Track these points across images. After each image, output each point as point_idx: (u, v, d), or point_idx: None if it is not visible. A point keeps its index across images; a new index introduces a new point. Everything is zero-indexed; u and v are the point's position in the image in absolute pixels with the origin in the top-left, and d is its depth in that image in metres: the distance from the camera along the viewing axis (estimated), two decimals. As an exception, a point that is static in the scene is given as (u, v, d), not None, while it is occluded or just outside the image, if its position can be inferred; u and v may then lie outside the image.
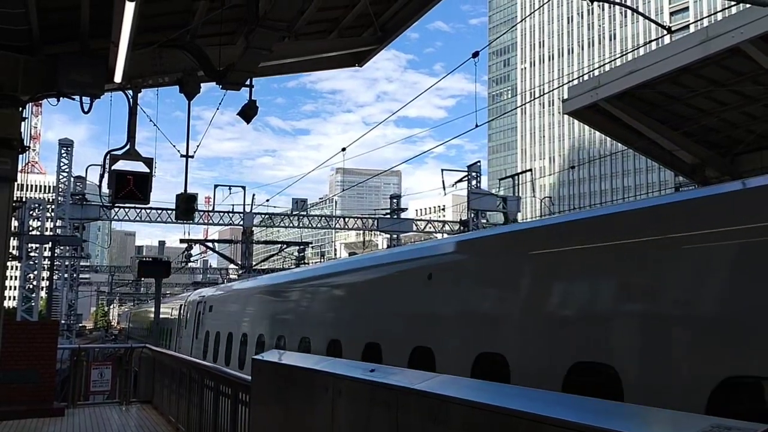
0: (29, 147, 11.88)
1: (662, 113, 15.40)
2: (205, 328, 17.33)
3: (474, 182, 37.05)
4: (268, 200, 57.87)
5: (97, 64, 9.68)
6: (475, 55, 12.01)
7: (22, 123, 10.57)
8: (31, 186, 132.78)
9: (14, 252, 37.11)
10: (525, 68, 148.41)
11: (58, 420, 11.09)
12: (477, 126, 14.57)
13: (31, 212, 37.93)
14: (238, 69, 9.84)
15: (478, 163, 38.42)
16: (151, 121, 11.94)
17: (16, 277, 45.53)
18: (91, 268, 69.57)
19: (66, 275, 46.62)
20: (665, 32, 12.75)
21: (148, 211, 38.15)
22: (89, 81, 9.65)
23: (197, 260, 60.14)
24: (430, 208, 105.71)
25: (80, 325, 58.10)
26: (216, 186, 38.44)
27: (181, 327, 21.09)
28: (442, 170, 36.41)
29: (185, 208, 11.65)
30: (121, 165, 10.54)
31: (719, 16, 14.01)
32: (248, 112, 10.69)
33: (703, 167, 15.84)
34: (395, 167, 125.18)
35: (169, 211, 36.84)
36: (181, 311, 21.74)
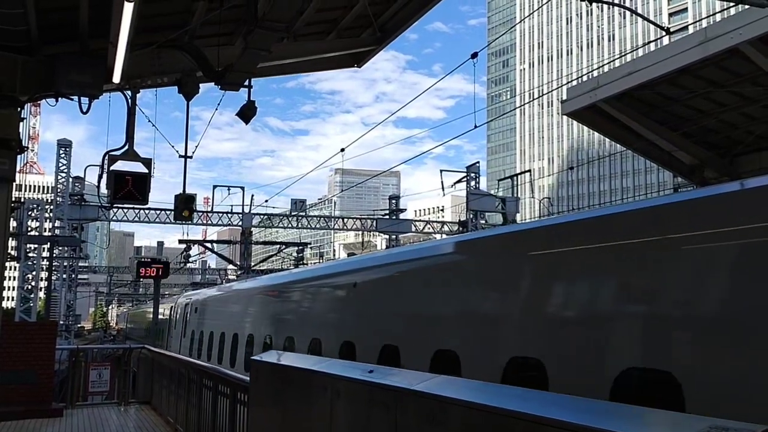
0: (28, 147, 11.87)
1: (661, 114, 15.42)
2: (191, 328, 19.23)
3: (473, 183, 37.06)
4: (267, 201, 57.83)
5: (95, 65, 9.67)
6: (474, 55, 12.01)
7: (21, 123, 10.56)
8: (30, 186, 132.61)
9: (13, 252, 37.09)
10: (524, 69, 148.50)
11: (56, 420, 11.07)
12: (476, 127, 14.56)
13: (29, 213, 37.90)
14: (237, 69, 9.84)
15: (477, 164, 38.45)
16: (149, 121, 11.95)
17: (14, 277, 45.49)
18: (90, 269, 69.52)
19: (64, 276, 46.58)
20: (664, 33, 12.76)
21: (146, 211, 38.13)
22: (88, 81, 9.65)
23: (196, 261, 60.10)
24: (429, 208, 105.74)
25: (79, 325, 58.05)
26: (215, 186, 38.47)
27: (172, 327, 22.73)
28: (441, 171, 36.49)
29: (184, 208, 11.64)
30: (120, 165, 10.54)
31: (718, 18, 14.02)
32: (247, 113, 10.69)
33: (702, 168, 15.85)
34: (394, 168, 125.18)
35: (168, 212, 36.81)
36: (172, 312, 23.47)
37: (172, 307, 23.89)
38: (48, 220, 39.84)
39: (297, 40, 12.03)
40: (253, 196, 47.82)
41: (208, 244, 39.14)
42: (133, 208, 36.32)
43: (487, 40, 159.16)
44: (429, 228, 43.19)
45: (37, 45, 9.91)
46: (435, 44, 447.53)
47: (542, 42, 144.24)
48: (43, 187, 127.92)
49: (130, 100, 10.79)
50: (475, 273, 6.76)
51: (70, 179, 40.12)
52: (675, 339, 4.47)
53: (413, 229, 43.10)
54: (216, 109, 12.51)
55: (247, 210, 39.34)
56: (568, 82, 18.55)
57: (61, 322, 40.56)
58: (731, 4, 11.00)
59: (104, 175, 10.64)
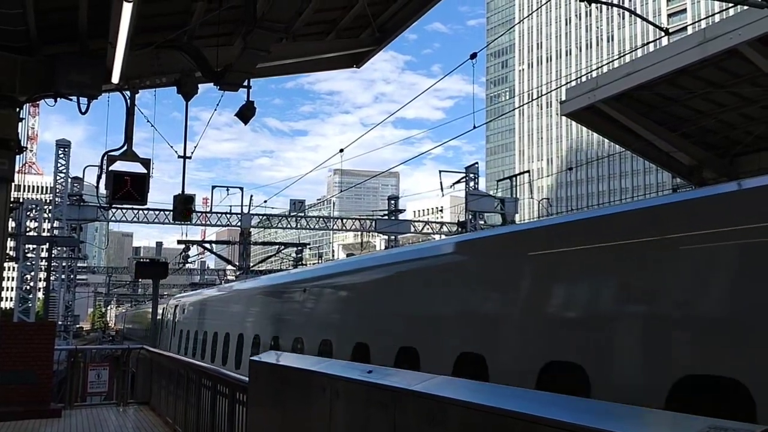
0: (26, 147, 11.86)
1: (660, 115, 15.42)
2: (179, 327, 21.23)
3: (472, 183, 37.07)
4: (265, 201, 57.82)
5: (94, 65, 9.67)
6: (473, 56, 12.01)
7: (20, 123, 10.55)
8: (29, 187, 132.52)
9: (11, 253, 37.05)
10: (523, 70, 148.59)
11: (55, 421, 11.06)
12: (475, 127, 14.57)
13: (28, 213, 37.85)
14: (236, 70, 9.84)
15: (476, 165, 38.45)
16: (148, 121, 11.93)
17: (13, 278, 45.45)
18: (89, 269, 69.41)
19: (63, 276, 46.54)
20: (663, 34, 12.78)
21: (145, 212, 38.07)
22: (87, 82, 9.65)
23: (195, 261, 60.07)
24: (428, 209, 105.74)
25: (77, 326, 57.99)
26: (214, 187, 38.42)
27: (164, 327, 24.43)
28: (440, 171, 36.51)
29: (183, 209, 11.63)
30: (119, 166, 10.54)
31: (717, 18, 14.03)
32: (246, 113, 10.69)
33: (700, 169, 15.87)
34: (393, 168, 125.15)
35: (167, 212, 36.74)
36: (164, 313, 25.22)
37: (164, 308, 25.73)
38: (47, 221, 39.80)
39: (296, 41, 12.03)
40: (252, 196, 47.82)
41: (207, 245, 39.15)
42: (132, 209, 36.25)
43: (486, 40, 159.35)
44: (428, 228, 43.19)
45: (37, 45, 9.91)
46: (434, 45, 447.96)
47: (541, 43, 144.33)
48: (42, 187, 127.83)
49: (129, 101, 10.79)
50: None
51: (69, 179, 40.07)
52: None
53: (412, 229, 43.08)
54: (215, 110, 12.51)
55: (246, 210, 39.32)
56: (567, 83, 18.56)
57: (60, 323, 40.52)
58: (730, 4, 11.01)
59: (103, 176, 10.64)
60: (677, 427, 2.44)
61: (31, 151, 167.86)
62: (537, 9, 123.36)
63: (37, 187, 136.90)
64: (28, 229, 37.51)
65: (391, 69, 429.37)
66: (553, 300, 5.46)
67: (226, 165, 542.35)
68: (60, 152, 41.75)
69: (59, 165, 41.16)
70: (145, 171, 10.63)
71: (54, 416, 11.31)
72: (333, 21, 12.22)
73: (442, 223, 44.01)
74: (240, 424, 6.40)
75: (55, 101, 10.25)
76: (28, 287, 38.17)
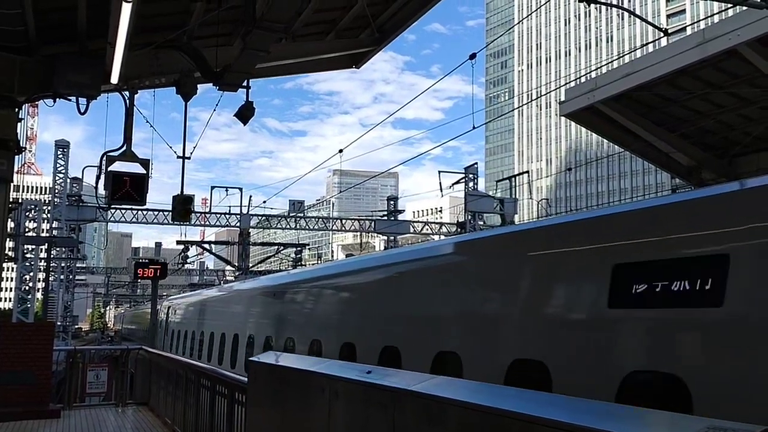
0: (25, 148, 11.85)
1: (659, 115, 15.44)
2: (170, 327, 23.05)
3: (471, 184, 37.06)
4: (265, 202, 57.87)
5: (93, 65, 9.67)
6: (472, 56, 12.01)
7: (19, 124, 10.54)
8: (28, 187, 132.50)
9: (10, 253, 37.01)
10: (522, 70, 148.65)
11: (53, 422, 11.05)
12: (474, 128, 14.57)
13: (27, 213, 37.81)
14: (235, 70, 9.84)
15: (476, 165, 38.43)
16: (147, 122, 11.91)
17: (12, 278, 45.42)
18: (88, 270, 69.34)
19: (62, 277, 46.50)
20: (662, 34, 12.78)
21: (144, 212, 38.04)
22: (86, 82, 9.65)
23: (194, 262, 60.03)
24: (427, 209, 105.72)
25: (76, 326, 57.94)
26: (213, 187, 38.32)
27: (158, 327, 26.03)
28: (440, 172, 36.47)
29: (182, 209, 11.62)
30: (118, 166, 10.52)
31: (716, 19, 14.04)
32: (245, 114, 10.69)
33: (699, 169, 15.88)
34: (392, 169, 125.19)
35: (166, 213, 36.71)
36: (158, 314, 26.91)
37: (158, 308, 27.40)
38: (46, 221, 39.75)
39: (295, 41, 12.03)
40: (251, 197, 47.68)
41: (206, 245, 39.13)
42: (131, 209, 36.24)
43: (485, 41, 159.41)
44: (427, 229, 43.19)
45: (36, 45, 9.91)
46: (433, 45, 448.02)
47: (540, 43, 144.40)
48: (41, 187, 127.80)
49: (128, 101, 10.78)
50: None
51: (68, 180, 40.03)
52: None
53: (411, 230, 43.08)
54: (214, 110, 12.49)
55: (245, 211, 39.30)
56: (566, 84, 18.57)
57: (59, 323, 40.49)
58: (729, 5, 11.02)
59: (102, 176, 10.63)
60: (675, 427, 2.44)
61: (30, 151, 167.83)
62: (536, 9, 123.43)
63: (36, 187, 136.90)
64: (27, 230, 37.47)
65: (391, 69, 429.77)
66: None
67: (225, 165, 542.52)
68: (59, 152, 41.71)
69: (58, 165, 41.12)
70: (144, 171, 10.62)
71: (53, 417, 11.30)
72: (332, 21, 12.22)
73: (441, 224, 44.02)
74: (239, 425, 6.39)
75: (54, 101, 10.24)
76: (26, 288, 38.12)
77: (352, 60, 13.34)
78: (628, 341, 4.65)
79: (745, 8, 11.17)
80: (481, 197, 36.27)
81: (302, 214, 42.89)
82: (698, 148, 15.97)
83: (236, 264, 39.19)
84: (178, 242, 40.03)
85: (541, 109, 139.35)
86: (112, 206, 22.34)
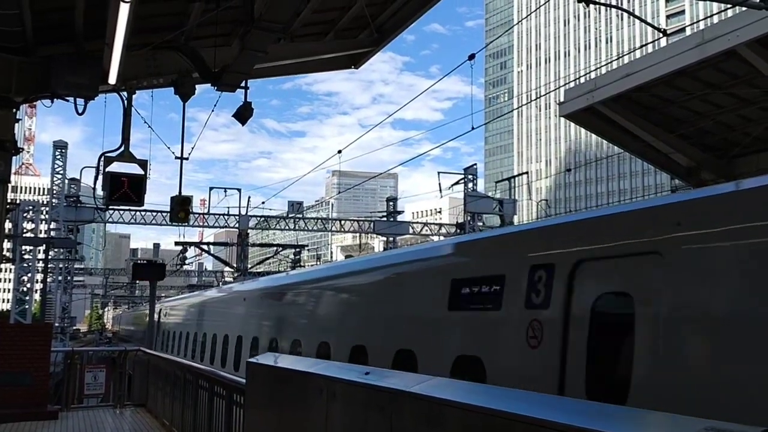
0: (23, 149, 11.83)
1: (658, 116, 15.43)
2: (162, 328, 25.09)
3: (470, 185, 37.09)
4: (263, 202, 57.95)
5: (91, 66, 9.65)
6: (471, 57, 12.00)
7: (16, 124, 10.52)
8: (26, 188, 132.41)
9: (8, 254, 36.97)
10: (522, 71, 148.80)
11: (51, 423, 11.03)
12: (473, 128, 14.56)
13: (24, 214, 37.78)
14: (234, 71, 9.83)
15: (475, 166, 38.47)
16: (145, 122, 11.89)
17: (9, 279, 45.38)
18: (86, 271, 69.34)
19: (60, 278, 46.47)
20: (661, 35, 12.78)
21: (142, 213, 38.04)
22: (83, 82, 9.62)
23: (192, 263, 60.00)
24: (426, 210, 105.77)
25: (74, 328, 57.90)
26: (211, 188, 38.30)
27: (153, 328, 28.08)
28: (439, 173, 36.54)
29: (180, 210, 11.61)
30: (116, 167, 10.50)
31: (715, 19, 14.04)
32: (243, 114, 10.68)
33: (698, 170, 15.88)
34: (392, 170, 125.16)
35: (164, 214, 36.72)
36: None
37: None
38: (43, 222, 39.73)
39: (294, 41, 12.01)
40: (249, 198, 47.71)
41: (205, 246, 39.10)
42: (129, 210, 36.22)
43: (484, 41, 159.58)
44: (426, 230, 43.20)
45: (33, 46, 9.89)
46: (432, 46, 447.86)
47: (540, 44, 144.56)
48: (39, 188, 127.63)
49: (125, 102, 10.76)
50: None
51: (66, 181, 40.02)
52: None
53: (411, 231, 43.09)
54: (212, 111, 12.46)
55: (243, 212, 39.29)
56: (565, 84, 18.57)
57: (57, 325, 40.45)
58: (728, 5, 11.02)
59: (100, 177, 10.60)
60: (674, 428, 2.42)
61: (28, 152, 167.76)
62: (536, 10, 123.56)
63: (34, 188, 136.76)
64: (24, 231, 37.44)
65: (390, 70, 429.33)
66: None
67: (224, 166, 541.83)
68: (57, 153, 41.70)
69: (56, 166, 41.10)
70: (142, 172, 10.60)
71: (51, 418, 11.28)
72: (331, 21, 12.21)
73: (440, 225, 44.04)
74: (237, 426, 6.37)
75: (52, 102, 10.22)
76: (24, 289, 38.09)
77: (350, 60, 13.33)
78: (459, 334, 6.46)
79: (744, 9, 11.16)
80: (480, 198, 36.30)
81: (301, 215, 42.88)
82: (697, 149, 15.97)
83: (235, 265, 39.18)
84: (177, 243, 40.04)
85: (540, 110, 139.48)
86: (110, 207, 22.31)
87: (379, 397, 3.69)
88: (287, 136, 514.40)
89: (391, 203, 43.25)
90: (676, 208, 4.74)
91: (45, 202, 42.13)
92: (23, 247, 37.25)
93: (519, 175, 48.01)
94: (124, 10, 7.48)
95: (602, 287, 4.89)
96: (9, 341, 11.42)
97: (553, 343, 4.98)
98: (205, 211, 39.30)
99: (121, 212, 36.62)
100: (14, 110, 10.32)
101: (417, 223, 46.18)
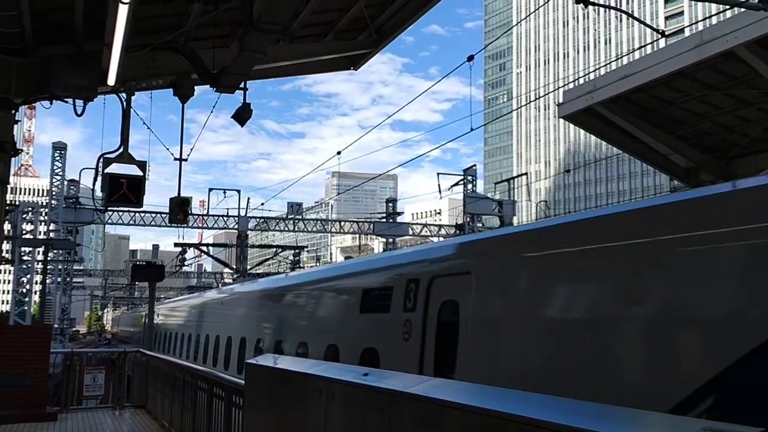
0: (22, 150, 11.83)
1: (657, 117, 15.44)
2: (155, 329, 27.25)
3: (470, 186, 37.10)
4: (263, 204, 57.81)
5: (90, 67, 9.65)
6: (470, 58, 12.00)
7: (16, 126, 10.52)
8: (26, 189, 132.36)
9: (7, 256, 36.96)
10: (521, 72, 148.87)
11: (51, 424, 11.02)
12: (472, 129, 14.57)
13: (24, 215, 37.73)
14: (232, 72, 9.83)
15: (474, 167, 38.46)
16: (144, 124, 11.89)
17: (9, 281, 45.36)
18: (85, 272, 69.30)
19: (59, 279, 46.45)
20: (660, 36, 12.78)
21: (141, 214, 38.02)
22: (83, 84, 9.62)
23: (192, 264, 59.99)
24: (426, 211, 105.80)
25: (74, 329, 57.83)
26: (210, 189, 38.22)
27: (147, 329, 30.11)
28: (438, 174, 36.47)
29: (179, 211, 11.61)
30: (115, 168, 10.50)
31: (714, 20, 14.06)
32: (242, 115, 10.68)
33: (697, 171, 15.89)
34: (391, 171, 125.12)
35: (163, 215, 36.71)
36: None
37: (146, 313, 30.98)
38: (43, 223, 39.70)
39: (293, 43, 12.02)
40: (249, 199, 47.49)
41: (204, 248, 39.08)
42: (129, 211, 36.21)
43: (483, 42, 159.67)
44: (426, 231, 43.20)
45: (32, 47, 9.89)
46: (431, 47, 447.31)
47: (539, 45, 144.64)
48: (39, 190, 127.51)
49: (124, 103, 10.76)
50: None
51: (65, 182, 39.99)
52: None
53: (410, 232, 43.08)
54: (211, 112, 12.46)
55: (243, 213, 39.27)
56: (564, 85, 18.58)
57: (56, 326, 40.42)
58: (727, 7, 11.03)
59: (99, 178, 10.60)
60: (672, 429, 2.43)
61: (28, 153, 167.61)
62: (534, 11, 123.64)
63: (34, 189, 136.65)
64: (24, 232, 37.40)
65: (389, 71, 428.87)
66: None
67: (223, 167, 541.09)
68: (56, 154, 41.69)
69: (55, 167, 41.09)
70: (141, 173, 10.60)
71: (50, 420, 11.27)
72: (330, 23, 12.21)
73: (440, 226, 44.04)
74: (236, 428, 6.37)
75: (51, 103, 10.22)
76: (24, 290, 38.06)
77: (350, 62, 13.34)
78: (365, 331, 8.12)
79: (743, 10, 11.18)
80: (479, 199, 36.31)
81: (300, 217, 42.85)
82: (696, 150, 15.98)
83: (234, 266, 39.16)
84: (176, 244, 40.02)
85: (539, 111, 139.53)
86: (110, 208, 22.37)
87: (378, 398, 3.70)
88: (287, 137, 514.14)
89: (390, 204, 43.25)
90: (478, 243, 7.17)
91: (44, 204, 42.10)
92: (22, 249, 37.22)
93: (518, 176, 47.96)
94: (122, 11, 7.49)
95: (444, 296, 6.51)
96: (8, 342, 11.41)
97: (417, 336, 6.71)
98: (205, 212, 39.28)
99: (120, 213, 36.60)
100: (13, 111, 10.33)
101: (416, 224, 46.18)
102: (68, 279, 48.51)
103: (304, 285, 12.14)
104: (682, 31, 61.89)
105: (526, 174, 47.19)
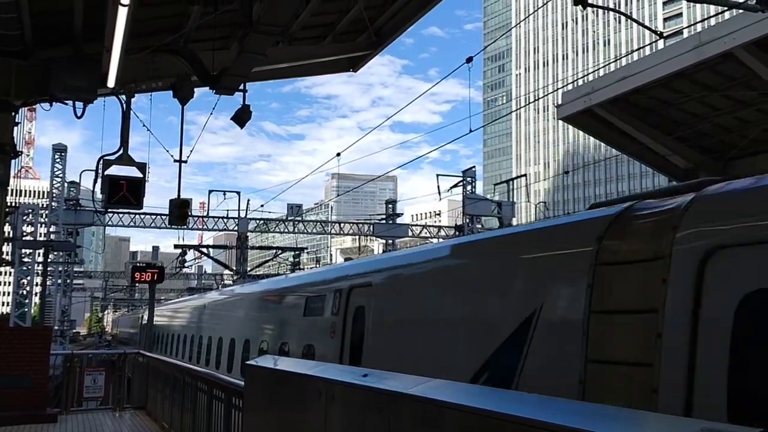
0: (22, 152, 11.84)
1: (655, 118, 15.46)
2: (153, 331, 29.44)
3: (469, 187, 37.09)
4: (262, 205, 57.81)
5: (90, 69, 9.67)
6: (469, 60, 12.03)
7: (16, 128, 10.53)
8: (26, 191, 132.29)
9: (7, 257, 36.94)
10: (520, 74, 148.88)
11: (51, 426, 11.03)
12: (471, 131, 14.58)
13: (24, 217, 37.70)
14: (232, 74, 9.84)
15: (473, 169, 38.45)
16: (144, 126, 11.91)
17: (9, 282, 45.33)
18: (85, 274, 69.28)
19: (59, 281, 46.42)
20: (658, 38, 12.79)
21: (142, 216, 38.02)
22: (82, 86, 9.64)
23: (192, 266, 59.98)
24: (425, 213, 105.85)
25: (74, 331, 57.78)
26: (210, 191, 38.20)
27: (144, 330, 31.77)
28: (438, 175, 36.46)
29: (179, 213, 11.62)
30: (115, 170, 10.51)
31: (712, 22, 14.09)
32: (242, 117, 10.69)
33: (696, 172, 15.88)
34: (390, 172, 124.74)
35: (163, 217, 36.71)
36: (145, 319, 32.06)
37: (142, 315, 33.00)
38: (43, 225, 39.68)
39: (292, 44, 12.04)
40: (249, 200, 47.46)
41: (204, 249, 39.07)
42: (129, 213, 36.22)
43: (482, 44, 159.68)
44: (425, 232, 43.18)
45: (32, 49, 9.90)
46: (431, 49, 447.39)
47: (538, 47, 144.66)
48: (39, 192, 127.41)
49: (124, 105, 10.77)
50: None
51: (66, 184, 39.98)
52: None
53: (410, 233, 43.07)
54: (211, 114, 12.48)
55: (243, 215, 39.25)
56: (563, 87, 18.60)
57: (56, 328, 40.38)
58: (725, 8, 11.05)
59: (99, 180, 10.61)
60: (671, 429, 2.44)
61: (28, 155, 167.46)
62: (533, 13, 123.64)
63: (34, 191, 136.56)
64: (24, 234, 37.37)
65: (389, 73, 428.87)
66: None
67: (223, 169, 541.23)
68: (56, 156, 41.66)
69: (56, 169, 41.06)
70: (141, 175, 10.61)
71: (50, 421, 11.27)
72: (330, 25, 12.23)
73: (439, 227, 44.04)
74: (236, 429, 6.38)
75: (51, 105, 10.24)
76: (24, 292, 38.02)
77: (349, 63, 13.36)
78: (307, 330, 10.04)
79: (741, 11, 11.20)
80: (479, 200, 36.30)
81: (300, 218, 42.84)
82: (695, 151, 15.99)
83: (234, 268, 39.14)
84: (176, 246, 40.00)
85: (538, 113, 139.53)
86: (110, 210, 22.34)
87: (377, 399, 3.70)
88: (286, 139, 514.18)
89: (390, 206, 43.25)
90: (378, 261, 9.65)
91: (44, 206, 42.08)
92: (23, 250, 37.19)
93: (517, 177, 47.93)
94: (122, 13, 7.50)
95: (357, 303, 8.29)
96: (8, 344, 11.41)
97: (338, 334, 8.57)
98: (205, 214, 39.27)
99: (121, 215, 36.61)
100: (13, 113, 10.34)
101: (416, 225, 46.18)
102: (68, 281, 48.48)
103: (268, 293, 14.34)
104: (680, 32, 61.96)
105: (525, 175, 47.14)
